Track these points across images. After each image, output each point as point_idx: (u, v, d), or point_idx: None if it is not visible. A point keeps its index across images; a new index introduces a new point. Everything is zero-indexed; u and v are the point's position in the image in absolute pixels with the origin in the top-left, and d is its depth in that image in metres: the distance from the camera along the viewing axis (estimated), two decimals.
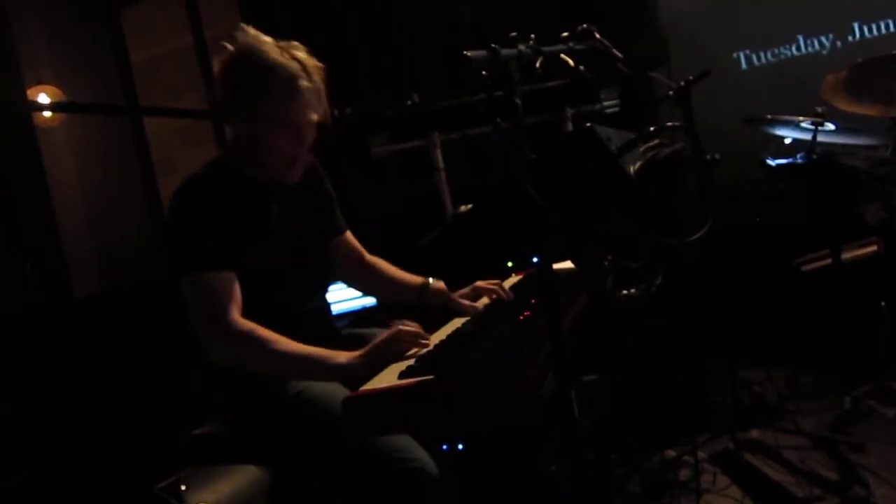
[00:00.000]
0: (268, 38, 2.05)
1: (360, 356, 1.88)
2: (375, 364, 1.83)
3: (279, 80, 2.00)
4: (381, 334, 1.93)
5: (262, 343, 1.91)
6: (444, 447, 1.95)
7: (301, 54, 2.06)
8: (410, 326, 1.96)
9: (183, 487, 2.50)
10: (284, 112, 2.04)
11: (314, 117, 2.09)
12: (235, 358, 1.94)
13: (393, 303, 2.56)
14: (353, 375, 1.83)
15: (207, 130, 5.21)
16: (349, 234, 2.50)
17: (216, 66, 2.07)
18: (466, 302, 2.37)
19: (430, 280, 2.45)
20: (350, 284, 2.62)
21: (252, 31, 2.06)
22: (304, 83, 2.02)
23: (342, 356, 1.90)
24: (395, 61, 4.97)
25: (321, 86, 2.08)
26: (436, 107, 3.97)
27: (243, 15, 5.10)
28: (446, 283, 2.46)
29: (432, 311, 2.39)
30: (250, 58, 2.01)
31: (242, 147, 2.11)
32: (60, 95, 5.14)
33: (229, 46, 2.05)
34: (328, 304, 2.41)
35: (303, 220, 2.25)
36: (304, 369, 1.93)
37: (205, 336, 1.94)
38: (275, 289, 2.10)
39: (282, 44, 2.06)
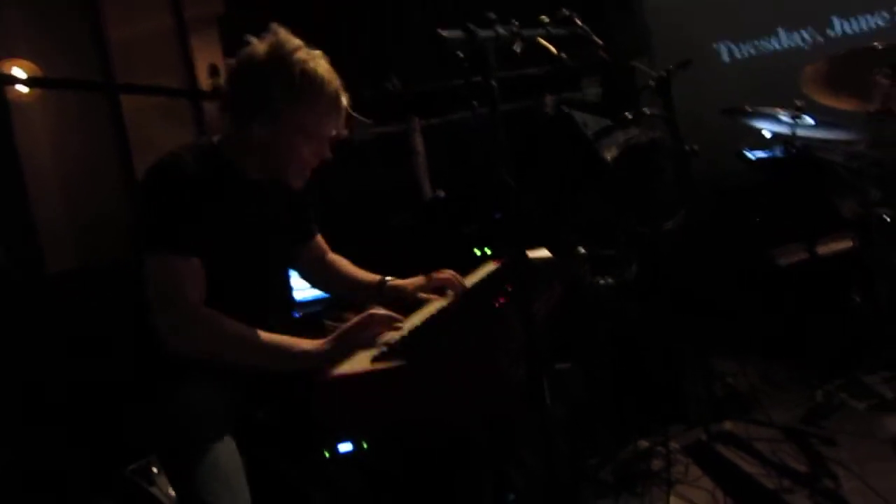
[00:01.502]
0: (301, 43, 1.98)
1: (328, 342, 1.84)
2: (344, 350, 1.81)
3: (327, 95, 1.97)
4: (352, 319, 1.89)
5: (223, 330, 1.82)
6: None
7: (327, 66, 2.00)
8: (382, 311, 1.93)
9: (155, 470, 2.49)
10: (325, 125, 2.01)
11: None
12: (195, 345, 1.81)
13: None
14: (321, 362, 1.79)
15: (185, 110, 5.16)
16: (319, 237, 2.46)
17: (246, 60, 1.96)
18: (424, 294, 2.36)
19: (388, 278, 2.44)
20: (311, 283, 2.58)
21: (283, 33, 1.97)
22: (345, 100, 2.01)
23: (308, 343, 1.85)
24: (376, 44, 4.94)
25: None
26: (416, 91, 3.94)
27: None
28: (422, 268, 2.45)
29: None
30: (297, 64, 1.92)
31: (249, 144, 2.00)
32: (36, 71, 5.05)
33: (256, 42, 1.96)
34: (290, 301, 2.39)
35: (277, 222, 2.16)
36: (269, 357, 1.84)
37: (162, 317, 1.81)
38: (237, 284, 2.00)
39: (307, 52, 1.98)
